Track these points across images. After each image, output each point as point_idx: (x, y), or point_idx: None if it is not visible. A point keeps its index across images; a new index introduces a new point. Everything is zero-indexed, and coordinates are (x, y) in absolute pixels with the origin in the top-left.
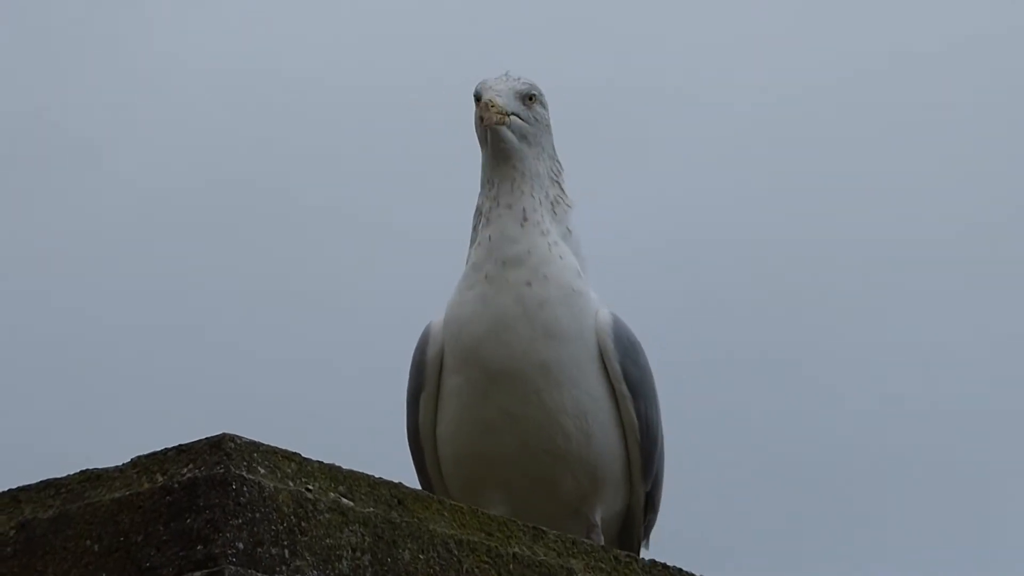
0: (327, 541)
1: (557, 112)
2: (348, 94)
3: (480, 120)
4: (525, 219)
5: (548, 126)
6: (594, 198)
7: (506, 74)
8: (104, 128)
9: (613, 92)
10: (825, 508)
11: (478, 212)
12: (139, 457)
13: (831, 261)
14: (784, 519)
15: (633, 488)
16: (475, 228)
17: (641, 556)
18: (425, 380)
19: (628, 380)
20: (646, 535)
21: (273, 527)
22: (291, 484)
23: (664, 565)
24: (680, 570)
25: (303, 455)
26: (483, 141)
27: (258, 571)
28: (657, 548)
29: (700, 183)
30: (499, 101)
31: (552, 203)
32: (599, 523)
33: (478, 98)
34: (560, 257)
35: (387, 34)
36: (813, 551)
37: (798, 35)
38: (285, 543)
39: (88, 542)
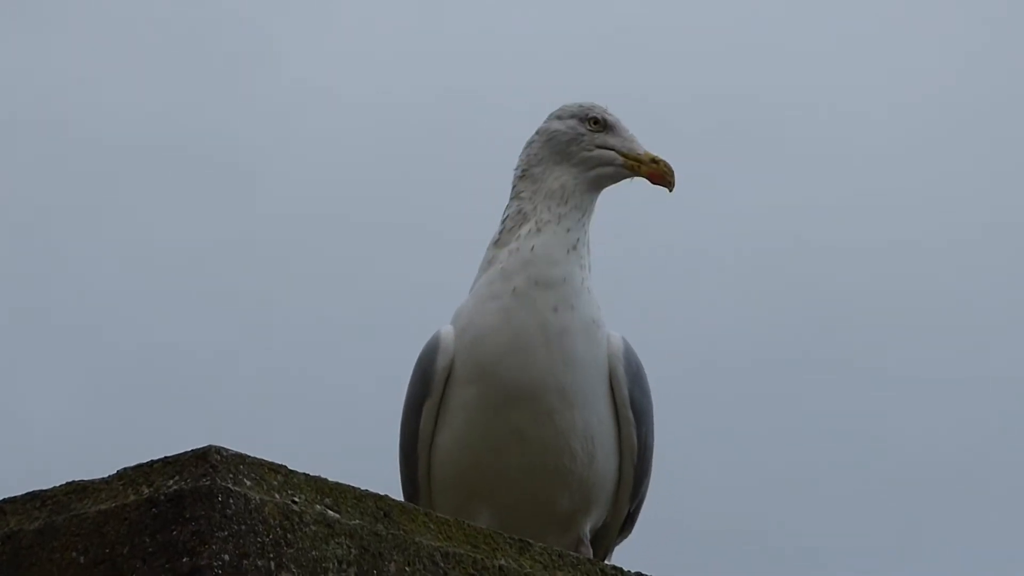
0: (313, 553)
1: (696, 120)
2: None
3: (668, 173)
4: (573, 248)
5: None
6: (726, 200)
7: (604, 107)
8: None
9: (747, 101)
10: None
11: (523, 215)
12: (125, 469)
13: (943, 265)
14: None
15: (617, 507)
16: (511, 229)
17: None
18: (431, 389)
19: (634, 406)
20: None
21: (259, 539)
22: (277, 496)
23: None
24: None
25: (289, 467)
26: (594, 165)
27: None
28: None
29: (820, 189)
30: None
31: (589, 239)
32: (587, 537)
33: (601, 124)
34: (588, 291)
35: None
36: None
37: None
38: (271, 555)
39: (74, 554)
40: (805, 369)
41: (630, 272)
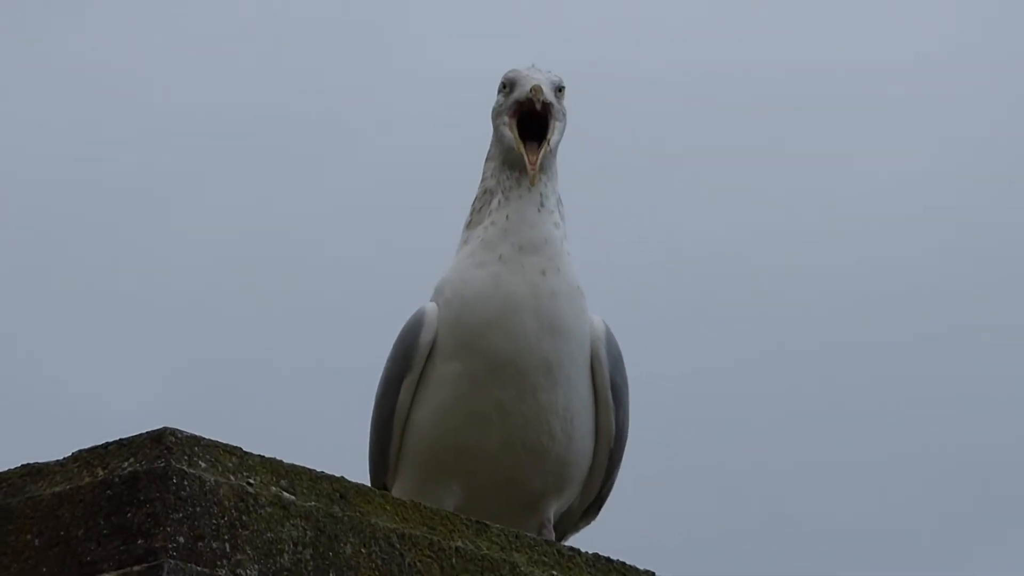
0: (268, 535)
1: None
2: None
3: (532, 103)
4: (542, 205)
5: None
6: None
7: (533, 65)
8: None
9: (822, 77)
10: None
11: (488, 192)
12: (80, 451)
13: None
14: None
15: (586, 491)
16: (480, 209)
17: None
18: (412, 364)
19: (615, 390)
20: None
21: (214, 521)
22: (232, 478)
23: (608, 559)
24: (624, 564)
25: (244, 449)
26: (507, 133)
27: (199, 565)
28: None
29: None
30: (545, 91)
31: (558, 201)
32: (551, 521)
33: (509, 86)
34: (568, 253)
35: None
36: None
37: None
38: (226, 537)
39: (29, 536)
40: (806, 367)
41: (632, 261)
